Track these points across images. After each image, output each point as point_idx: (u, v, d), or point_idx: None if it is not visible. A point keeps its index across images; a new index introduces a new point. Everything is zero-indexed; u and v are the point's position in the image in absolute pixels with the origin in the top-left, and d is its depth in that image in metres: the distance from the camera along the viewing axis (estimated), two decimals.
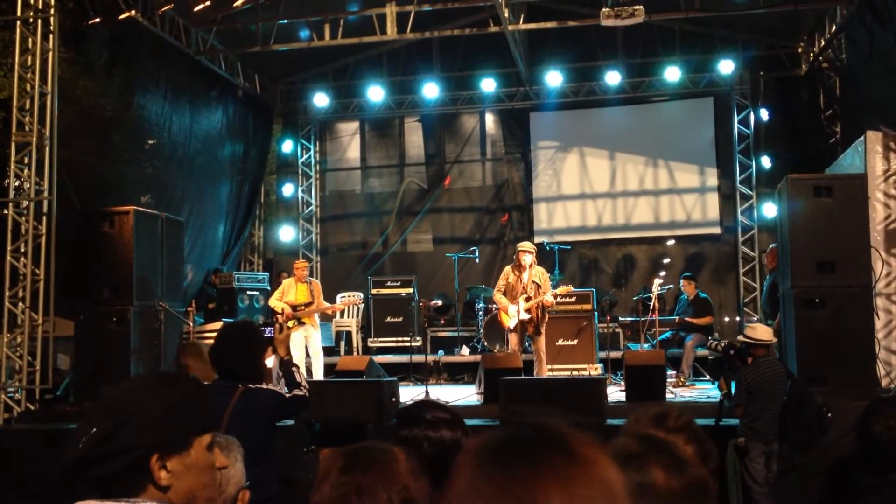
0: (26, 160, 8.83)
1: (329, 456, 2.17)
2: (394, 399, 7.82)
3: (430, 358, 10.93)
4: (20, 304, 8.66)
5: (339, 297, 11.57)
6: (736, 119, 13.56)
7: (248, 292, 12.10)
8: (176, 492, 1.61)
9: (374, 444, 2.13)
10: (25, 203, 8.80)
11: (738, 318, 12.55)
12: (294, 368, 4.22)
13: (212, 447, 1.69)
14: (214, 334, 4.34)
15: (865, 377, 7.42)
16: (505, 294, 9.25)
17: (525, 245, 9.39)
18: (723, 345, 6.61)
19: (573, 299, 10.47)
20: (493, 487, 1.00)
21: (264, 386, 3.98)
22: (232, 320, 10.33)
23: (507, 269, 9.45)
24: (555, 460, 1.02)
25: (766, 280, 10.50)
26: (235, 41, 12.33)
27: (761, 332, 6.43)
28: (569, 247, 12.88)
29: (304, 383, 4.17)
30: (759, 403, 6.14)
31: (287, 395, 4.08)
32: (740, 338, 6.54)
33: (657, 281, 10.37)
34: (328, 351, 10.52)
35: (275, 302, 9.88)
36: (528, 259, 9.13)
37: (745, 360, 6.29)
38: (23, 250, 8.72)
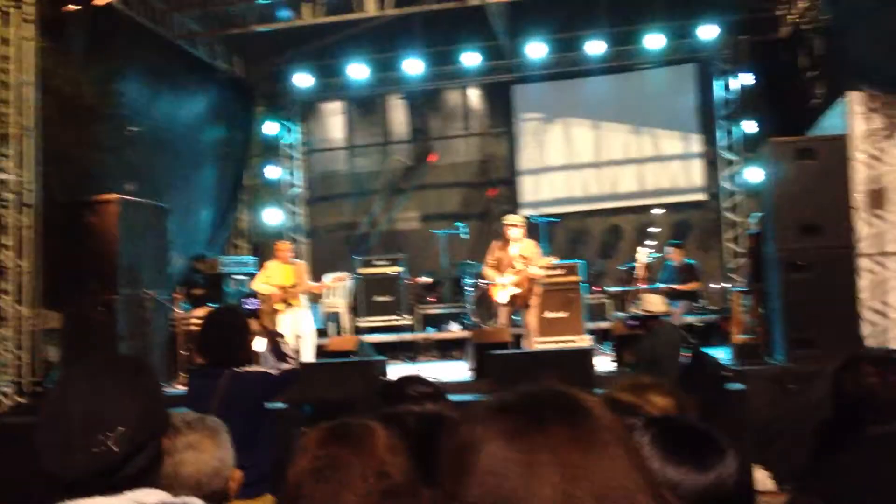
0: (8, 152, 8.74)
1: (308, 432, 2.19)
2: (384, 378, 7.84)
3: (421, 335, 10.96)
4: (6, 297, 8.63)
5: (324, 277, 11.52)
6: (718, 84, 13.55)
7: (235, 276, 12.05)
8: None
9: (352, 419, 2.15)
10: (8, 195, 8.72)
11: (725, 285, 12.59)
12: (279, 338, 4.27)
13: None
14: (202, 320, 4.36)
15: (850, 338, 7.47)
16: (496, 268, 9.13)
17: (510, 218, 9.19)
18: (625, 322, 6.86)
19: (562, 271, 10.43)
20: (530, 454, 0.97)
21: (251, 368, 4.01)
22: (217, 305, 10.30)
23: (494, 243, 9.27)
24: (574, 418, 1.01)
25: None
26: (216, 23, 12.23)
27: (655, 302, 6.59)
28: (556, 219, 12.79)
29: (292, 354, 4.23)
30: (658, 368, 6.31)
31: (275, 374, 4.12)
32: (636, 311, 6.73)
33: (642, 250, 10.40)
34: (318, 333, 10.49)
35: (260, 285, 9.59)
36: (514, 233, 8.94)
37: (648, 329, 6.47)
38: (8, 244, 8.66)
